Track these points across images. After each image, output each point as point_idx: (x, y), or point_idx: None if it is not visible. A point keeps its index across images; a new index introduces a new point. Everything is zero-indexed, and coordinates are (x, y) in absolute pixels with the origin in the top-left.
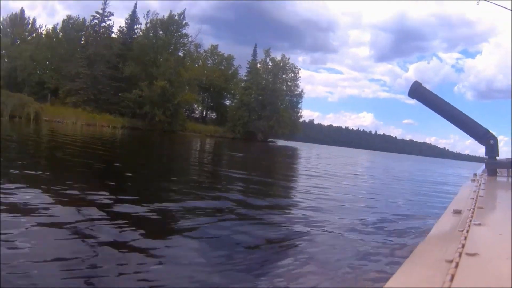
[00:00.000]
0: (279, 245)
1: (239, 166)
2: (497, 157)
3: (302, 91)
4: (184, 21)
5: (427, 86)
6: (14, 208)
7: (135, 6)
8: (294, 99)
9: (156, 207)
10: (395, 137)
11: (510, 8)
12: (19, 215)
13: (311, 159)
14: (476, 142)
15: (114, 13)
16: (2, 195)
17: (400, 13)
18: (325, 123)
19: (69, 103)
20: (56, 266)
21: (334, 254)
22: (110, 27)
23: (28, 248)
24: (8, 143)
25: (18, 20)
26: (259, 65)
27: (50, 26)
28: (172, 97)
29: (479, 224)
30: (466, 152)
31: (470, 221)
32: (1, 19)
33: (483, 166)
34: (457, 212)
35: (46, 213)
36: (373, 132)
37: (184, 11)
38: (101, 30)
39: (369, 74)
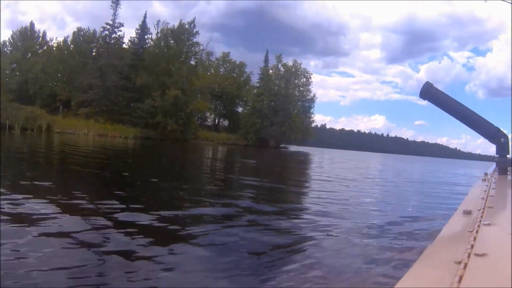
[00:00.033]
0: (286, 250)
1: (251, 173)
2: (508, 155)
3: (314, 95)
4: (195, 30)
5: (439, 86)
6: (22, 218)
7: (145, 16)
8: (306, 104)
9: (166, 215)
10: (407, 138)
11: None
12: (26, 224)
13: (323, 163)
14: (487, 141)
15: (124, 23)
16: (11, 205)
17: (409, 14)
18: (337, 127)
19: (81, 114)
20: (62, 274)
21: (342, 258)
22: (121, 37)
23: (34, 256)
24: (19, 154)
25: (29, 34)
26: (271, 71)
27: (60, 39)
28: (184, 106)
29: (489, 224)
30: (478, 151)
31: (480, 221)
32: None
33: (494, 165)
34: (467, 212)
35: (53, 222)
36: (385, 134)
37: (194, 19)
38: (112, 41)
39: (381, 77)
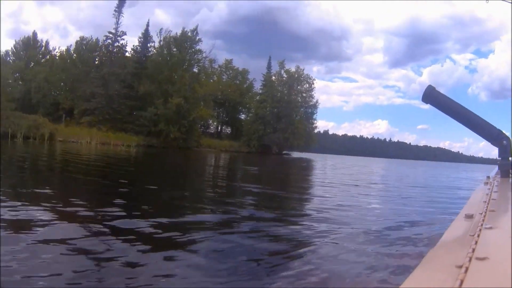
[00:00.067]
0: (285, 256)
1: (253, 180)
2: (510, 158)
3: (317, 101)
4: (198, 37)
5: (441, 90)
6: (20, 224)
7: (147, 25)
8: (309, 110)
9: (165, 221)
10: (410, 143)
11: None
12: (25, 230)
13: (326, 169)
14: (489, 144)
15: (127, 32)
16: (10, 212)
17: (412, 17)
18: (340, 132)
19: (84, 123)
20: (60, 280)
21: (342, 264)
22: (123, 46)
23: (32, 262)
24: (20, 163)
25: (31, 43)
26: (273, 77)
27: (63, 48)
28: (187, 114)
29: (490, 228)
30: (480, 154)
31: (482, 225)
32: (1, 20)
33: (496, 168)
34: (469, 216)
35: (52, 229)
36: (387, 139)
37: (196, 27)
38: (115, 50)
39: (384, 81)
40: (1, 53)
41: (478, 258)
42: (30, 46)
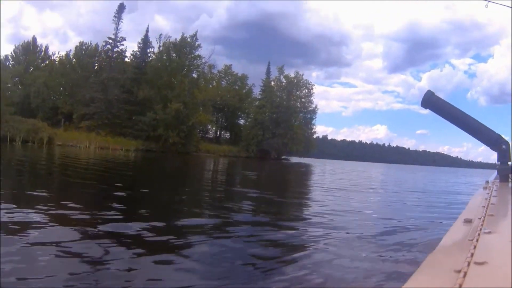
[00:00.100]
0: (279, 261)
1: (251, 185)
2: (509, 163)
3: (316, 107)
4: (197, 43)
5: (441, 95)
6: (14, 227)
7: (147, 30)
8: (308, 115)
9: (160, 225)
10: (409, 148)
11: None
12: (18, 233)
13: (324, 175)
14: (488, 148)
15: (127, 38)
16: (4, 214)
17: (411, 22)
18: (339, 138)
19: (83, 127)
20: (53, 282)
21: (338, 269)
22: (123, 51)
23: (25, 265)
24: (19, 166)
25: (31, 48)
26: (273, 83)
27: (63, 53)
28: (186, 119)
29: (489, 232)
30: (479, 159)
31: (480, 229)
32: (1, 21)
33: (495, 172)
34: (468, 221)
35: (45, 232)
36: (386, 144)
37: (196, 32)
38: (114, 55)
39: (383, 86)
40: (1, 58)
41: (476, 263)
42: (29, 51)
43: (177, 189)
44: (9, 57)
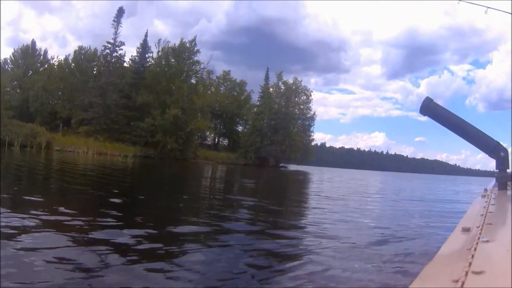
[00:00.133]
0: (270, 270)
1: (248, 193)
2: (508, 170)
3: (314, 113)
4: (196, 48)
5: (439, 101)
6: (6, 232)
7: (146, 35)
8: (306, 122)
9: (155, 233)
10: (407, 156)
11: None
12: (11, 238)
13: (322, 183)
14: (487, 156)
15: (125, 42)
16: (3, 219)
17: (410, 27)
18: (337, 145)
19: (81, 132)
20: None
21: (331, 280)
22: (122, 56)
23: (13, 270)
24: (15, 171)
25: (30, 52)
26: (271, 89)
27: (62, 57)
28: (184, 125)
29: (487, 241)
30: (477, 167)
31: (478, 238)
32: (2, 23)
33: (494, 180)
34: (466, 229)
35: (34, 237)
36: (384, 152)
37: (195, 37)
38: (113, 60)
39: (381, 93)
40: (0, 61)
41: (474, 272)
42: (28, 54)
43: (174, 196)
44: (8, 61)
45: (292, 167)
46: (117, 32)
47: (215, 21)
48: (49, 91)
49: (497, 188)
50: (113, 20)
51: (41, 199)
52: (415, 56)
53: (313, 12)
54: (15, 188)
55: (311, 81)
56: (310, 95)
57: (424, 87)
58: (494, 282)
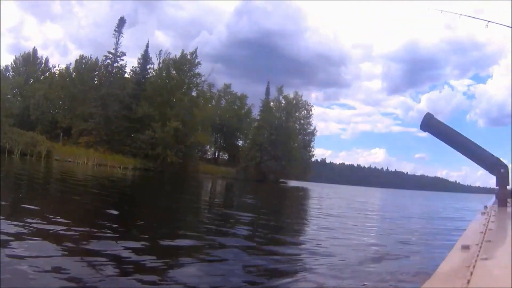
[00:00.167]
0: (260, 287)
1: (246, 208)
2: (508, 187)
3: (314, 129)
4: (197, 60)
5: (440, 117)
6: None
7: (147, 46)
8: (306, 137)
9: (147, 246)
10: (407, 172)
11: None
12: (4, 246)
13: (321, 200)
14: (487, 172)
15: (127, 53)
16: None
17: (411, 41)
18: (338, 161)
19: (81, 143)
20: None
21: None
22: (123, 67)
23: (12, 278)
24: (15, 179)
25: (31, 59)
26: (272, 103)
27: (63, 66)
28: (185, 138)
29: (486, 259)
30: (477, 184)
31: (478, 255)
32: (2, 35)
33: (494, 197)
34: (465, 247)
35: (30, 245)
36: (385, 168)
37: (196, 49)
38: (114, 70)
39: (382, 108)
40: (1, 68)
41: None
42: (30, 62)
43: (172, 210)
44: (10, 68)
45: (292, 183)
46: (118, 42)
47: (216, 33)
48: (50, 100)
49: (497, 205)
50: (115, 30)
51: (38, 208)
52: (416, 71)
53: (314, 25)
54: (13, 196)
55: (311, 95)
56: (311, 110)
57: (425, 103)
58: None
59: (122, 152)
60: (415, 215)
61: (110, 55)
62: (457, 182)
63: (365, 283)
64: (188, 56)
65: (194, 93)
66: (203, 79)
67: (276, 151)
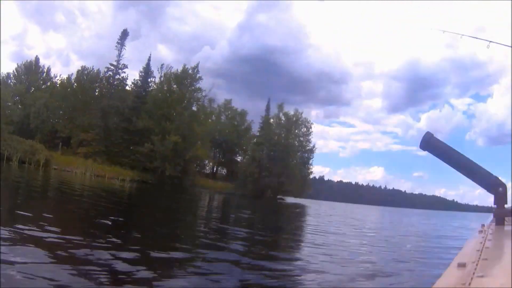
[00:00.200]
0: None
1: (242, 224)
2: (506, 205)
3: (314, 146)
4: (198, 75)
5: (439, 136)
6: None
7: (149, 59)
8: (305, 155)
9: (138, 257)
10: (405, 191)
11: None
12: None
13: (318, 217)
14: (485, 191)
15: (128, 65)
16: None
17: (412, 60)
18: (336, 178)
19: (80, 153)
20: None
21: None
22: (124, 79)
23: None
24: (13, 187)
25: (33, 68)
26: (272, 120)
27: (64, 76)
28: (183, 152)
29: (482, 276)
30: (475, 202)
31: (474, 273)
32: (5, 39)
33: (491, 216)
34: (462, 265)
35: (19, 251)
36: (383, 187)
37: (197, 64)
38: (116, 82)
39: (382, 127)
40: (2, 75)
41: None
42: (31, 70)
43: (167, 223)
44: (11, 75)
45: (290, 199)
46: (121, 55)
47: (218, 48)
48: (50, 109)
49: (494, 224)
50: (117, 42)
51: (33, 215)
52: (416, 90)
53: (317, 42)
54: (9, 203)
55: (312, 113)
56: (311, 127)
57: (425, 122)
58: None
59: (120, 164)
60: (411, 233)
61: (112, 67)
62: (455, 200)
63: None
64: (190, 71)
65: (194, 108)
66: (204, 94)
67: (274, 168)
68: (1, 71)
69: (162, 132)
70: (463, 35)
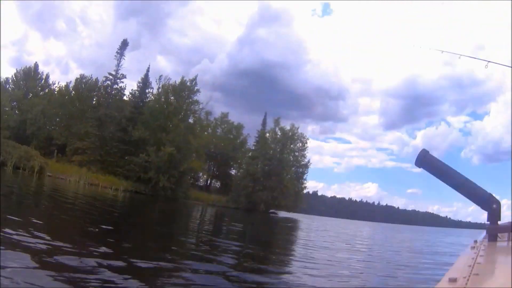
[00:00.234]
0: None
1: (234, 237)
2: (499, 222)
3: (308, 161)
4: (196, 88)
5: (435, 153)
6: None
7: (148, 70)
8: (300, 169)
9: (130, 267)
10: (398, 207)
11: None
12: None
13: (310, 231)
14: (479, 208)
15: (127, 75)
16: None
17: (410, 77)
18: (329, 194)
19: (75, 161)
20: None
21: None
22: (122, 89)
23: None
24: (6, 192)
25: (32, 74)
26: (268, 134)
27: (63, 83)
28: (178, 164)
29: None
30: (468, 219)
31: None
32: (5, 43)
33: (484, 232)
34: (453, 280)
35: (7, 257)
36: (376, 203)
37: (196, 77)
38: (113, 92)
39: (377, 143)
40: (1, 80)
41: None
42: (30, 77)
43: (159, 234)
44: (10, 80)
45: (282, 214)
46: (120, 64)
47: (217, 62)
48: (47, 116)
49: (487, 240)
50: (117, 52)
51: (23, 221)
52: (414, 107)
53: (315, 58)
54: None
55: (308, 128)
56: (306, 143)
57: (420, 139)
58: None
59: (114, 174)
60: (404, 249)
61: (111, 77)
62: (448, 217)
63: None
64: (188, 83)
65: (191, 120)
66: (201, 106)
67: (268, 182)
68: (0, 76)
69: (158, 143)
70: (461, 55)
